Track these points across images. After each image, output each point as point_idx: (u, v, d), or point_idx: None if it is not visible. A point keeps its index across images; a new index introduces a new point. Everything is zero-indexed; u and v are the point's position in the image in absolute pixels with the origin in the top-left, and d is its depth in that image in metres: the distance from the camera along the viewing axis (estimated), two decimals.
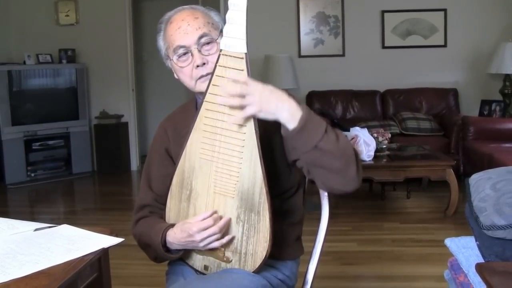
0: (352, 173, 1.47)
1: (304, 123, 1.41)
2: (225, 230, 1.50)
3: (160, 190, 1.70)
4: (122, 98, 6.94)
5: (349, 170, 1.46)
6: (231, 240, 1.53)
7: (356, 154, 1.49)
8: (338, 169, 1.46)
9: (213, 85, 1.49)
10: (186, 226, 1.51)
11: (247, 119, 1.44)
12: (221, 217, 1.52)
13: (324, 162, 1.45)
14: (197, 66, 1.58)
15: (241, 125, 1.46)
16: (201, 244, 1.50)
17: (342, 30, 6.60)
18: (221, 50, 1.47)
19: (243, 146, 1.47)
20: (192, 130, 1.54)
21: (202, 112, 1.52)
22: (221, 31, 1.53)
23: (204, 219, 1.50)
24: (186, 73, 1.62)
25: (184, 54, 1.60)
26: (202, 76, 1.60)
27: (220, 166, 1.51)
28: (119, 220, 4.58)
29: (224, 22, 1.47)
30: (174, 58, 1.61)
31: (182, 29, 1.58)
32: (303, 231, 1.80)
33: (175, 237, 1.55)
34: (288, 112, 1.41)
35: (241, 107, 1.42)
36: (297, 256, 1.78)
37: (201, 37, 1.57)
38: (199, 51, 1.58)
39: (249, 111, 1.41)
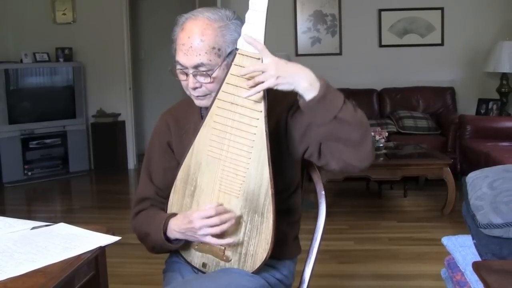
0: (368, 146, 1.48)
1: (325, 92, 1.41)
2: (228, 228, 1.49)
3: (161, 183, 1.70)
4: (119, 96, 6.93)
5: (365, 143, 1.47)
6: (234, 230, 1.51)
7: (369, 128, 1.49)
8: (355, 142, 1.45)
9: (227, 83, 1.48)
10: (188, 213, 1.51)
11: (258, 99, 1.44)
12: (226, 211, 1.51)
13: (343, 133, 1.44)
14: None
15: (250, 125, 1.46)
16: (199, 233, 1.49)
17: (339, 28, 6.60)
18: (237, 49, 1.46)
19: (252, 147, 1.47)
20: (202, 126, 1.53)
21: (213, 109, 1.51)
22: (229, 54, 1.50)
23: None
24: (183, 85, 1.60)
25: (182, 71, 1.56)
26: (195, 96, 1.59)
27: (228, 164, 1.50)
28: (116, 219, 4.58)
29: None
30: (176, 65, 1.58)
31: (185, 47, 1.51)
32: (300, 230, 1.80)
33: (176, 223, 1.54)
34: (307, 81, 1.40)
35: (258, 83, 1.41)
36: (295, 255, 1.78)
37: (198, 66, 1.51)
38: (194, 76, 1.54)
39: (266, 84, 1.40)
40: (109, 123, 6.80)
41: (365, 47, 6.58)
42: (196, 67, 1.52)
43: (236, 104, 1.47)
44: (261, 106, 1.45)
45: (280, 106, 1.47)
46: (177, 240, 1.59)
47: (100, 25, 6.78)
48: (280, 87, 1.41)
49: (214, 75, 1.52)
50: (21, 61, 6.33)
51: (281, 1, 6.59)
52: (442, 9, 6.43)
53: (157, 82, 7.70)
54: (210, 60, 1.51)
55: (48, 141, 6.43)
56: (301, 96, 1.43)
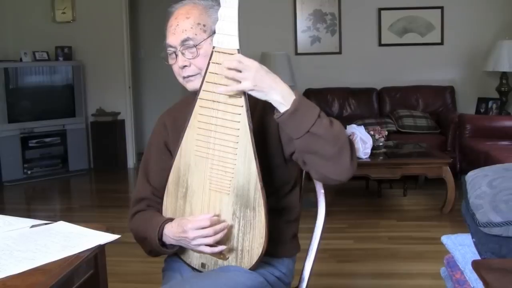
0: (346, 160, 1.45)
1: (297, 106, 1.42)
2: (222, 236, 1.49)
3: (158, 184, 1.70)
4: (119, 95, 6.92)
5: (342, 157, 1.45)
6: (227, 237, 1.52)
7: (351, 142, 1.48)
8: (331, 156, 1.44)
9: (206, 82, 1.49)
10: (183, 222, 1.51)
11: (238, 94, 1.45)
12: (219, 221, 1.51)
13: (317, 148, 1.44)
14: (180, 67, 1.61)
15: (233, 120, 1.46)
16: (193, 243, 1.49)
17: (338, 27, 6.60)
18: (214, 47, 1.47)
19: (237, 142, 1.47)
20: (187, 128, 1.55)
21: (196, 109, 1.52)
22: (215, 32, 1.51)
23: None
24: (174, 70, 1.65)
25: (172, 53, 1.62)
26: (185, 77, 1.62)
27: (215, 162, 1.51)
28: (115, 218, 4.58)
29: None
30: (167, 53, 1.64)
31: (172, 27, 1.60)
32: (299, 229, 1.80)
33: (171, 231, 1.55)
34: (280, 95, 1.42)
35: (236, 81, 1.43)
36: (294, 253, 1.78)
37: (184, 40, 1.58)
38: (183, 54, 1.59)
39: (243, 85, 1.42)
40: (108, 122, 6.80)
41: (364, 46, 6.58)
42: (183, 42, 1.58)
43: (217, 102, 1.48)
44: (242, 101, 1.46)
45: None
46: (172, 245, 1.59)
47: (100, 24, 6.77)
48: (253, 94, 1.43)
49: (201, 49, 1.57)
50: (21, 60, 6.32)
51: (280, 0, 6.59)
52: (441, 8, 6.43)
53: (156, 81, 7.70)
54: (196, 34, 1.57)
55: (47, 140, 6.43)
56: (276, 109, 1.45)
